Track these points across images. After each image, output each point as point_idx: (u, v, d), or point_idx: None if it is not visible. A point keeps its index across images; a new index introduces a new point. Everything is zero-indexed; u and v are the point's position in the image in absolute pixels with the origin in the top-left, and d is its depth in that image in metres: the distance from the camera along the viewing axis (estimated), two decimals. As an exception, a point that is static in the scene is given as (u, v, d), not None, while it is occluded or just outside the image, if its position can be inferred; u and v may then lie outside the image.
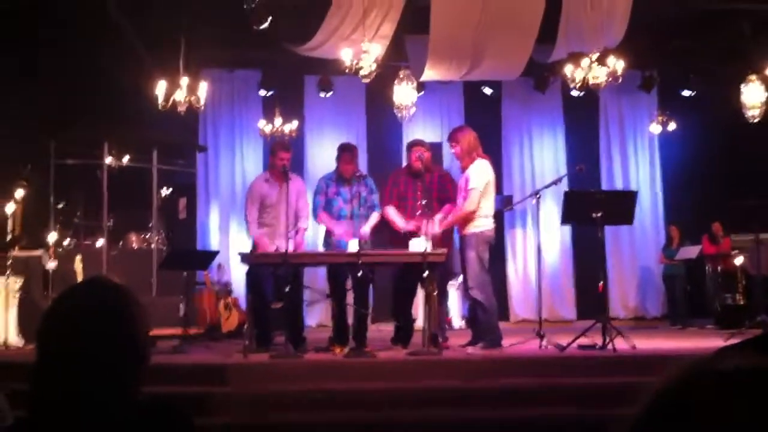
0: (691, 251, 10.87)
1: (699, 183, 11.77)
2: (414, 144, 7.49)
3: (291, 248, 6.82)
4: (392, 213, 7.22)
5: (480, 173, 6.79)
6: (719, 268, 10.95)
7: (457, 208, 6.88)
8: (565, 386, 5.66)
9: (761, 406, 0.66)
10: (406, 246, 6.86)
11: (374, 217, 7.29)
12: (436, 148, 10.92)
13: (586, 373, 5.97)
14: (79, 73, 9.80)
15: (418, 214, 7.05)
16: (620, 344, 6.48)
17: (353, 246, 6.71)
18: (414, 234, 6.89)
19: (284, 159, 7.33)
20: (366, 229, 7.18)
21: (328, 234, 7.38)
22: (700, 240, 10.99)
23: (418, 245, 6.62)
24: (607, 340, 6.48)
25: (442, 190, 7.24)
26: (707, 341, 7.62)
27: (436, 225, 6.92)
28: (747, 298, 10.30)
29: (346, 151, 7.34)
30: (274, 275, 7.01)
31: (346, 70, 8.40)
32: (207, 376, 5.75)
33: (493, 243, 6.93)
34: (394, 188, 7.30)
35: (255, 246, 7.43)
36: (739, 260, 10.45)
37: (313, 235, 9.89)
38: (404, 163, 7.75)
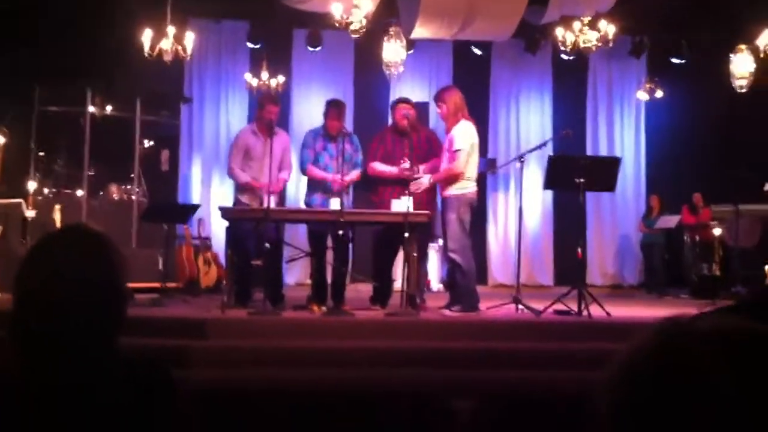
0: (670, 221, 10.95)
1: (683, 152, 11.81)
2: (399, 102, 7.41)
3: (268, 203, 6.78)
4: (379, 165, 7.15)
5: (464, 135, 6.74)
6: (697, 238, 11.04)
7: (444, 168, 6.84)
8: (540, 350, 5.71)
9: (738, 364, 0.66)
10: (387, 206, 6.85)
11: (354, 174, 7.24)
12: (423, 108, 10.86)
13: (561, 338, 6.03)
14: (64, 21, 9.62)
15: (402, 169, 6.98)
16: (596, 311, 6.54)
17: (335, 204, 6.69)
18: (403, 183, 6.82)
19: (272, 112, 7.25)
20: (347, 177, 7.12)
21: (310, 193, 7.33)
22: (681, 210, 11.06)
23: (401, 206, 6.61)
24: (583, 306, 6.54)
25: (430, 151, 7.19)
26: (682, 310, 7.68)
27: (425, 179, 6.87)
28: (723, 269, 10.40)
29: (333, 107, 7.26)
30: (255, 231, 6.99)
31: (336, 25, 8.30)
32: (185, 331, 5.76)
33: (475, 206, 6.91)
34: (380, 146, 7.22)
35: (247, 187, 7.28)
36: (717, 231, 10.53)
37: (295, 192, 9.86)
38: (390, 122, 7.69)
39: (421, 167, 7.02)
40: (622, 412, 0.69)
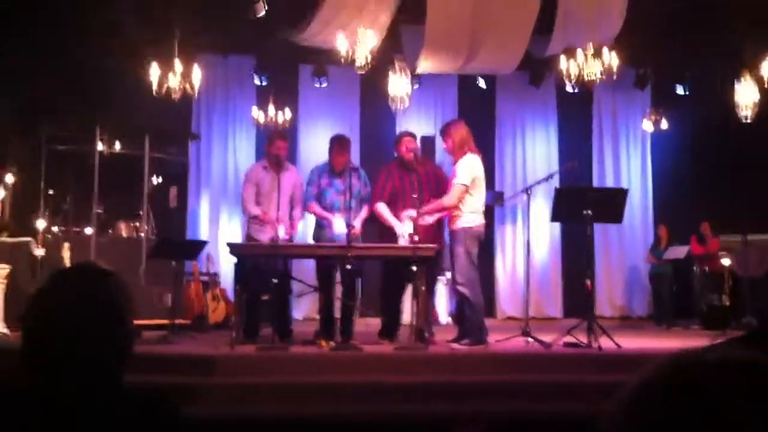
0: (679, 251, 10.91)
1: (689, 182, 11.81)
2: (403, 135, 7.42)
3: (282, 236, 6.79)
4: (383, 209, 7.15)
5: (467, 168, 6.73)
6: (706, 268, 10.99)
7: (439, 200, 6.84)
8: (550, 383, 5.67)
9: (749, 398, 0.66)
10: (396, 241, 6.85)
11: (365, 211, 7.26)
12: (429, 141, 10.91)
13: (571, 371, 5.99)
14: (72, 59, 9.73)
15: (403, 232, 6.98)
16: (606, 343, 6.50)
17: (339, 225, 6.69)
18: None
19: (281, 148, 7.29)
20: (357, 222, 7.12)
21: (318, 227, 7.34)
22: (689, 240, 11.03)
23: (406, 228, 6.63)
24: (593, 338, 6.50)
25: (438, 185, 7.18)
26: (692, 341, 7.64)
27: (407, 234, 6.82)
28: (733, 299, 10.34)
29: (336, 143, 7.29)
30: (263, 267, 6.99)
31: (342, 60, 8.38)
32: (193, 367, 5.75)
33: (483, 239, 6.89)
34: (388, 182, 7.20)
35: (257, 221, 7.29)
36: (726, 261, 10.49)
37: (303, 228, 9.87)
38: (395, 155, 7.69)
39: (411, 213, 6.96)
40: None
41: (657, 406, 0.68)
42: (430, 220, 6.92)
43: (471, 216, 6.69)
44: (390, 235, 7.06)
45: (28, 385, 1.53)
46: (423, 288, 6.62)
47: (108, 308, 1.57)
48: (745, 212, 9.49)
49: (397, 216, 7.03)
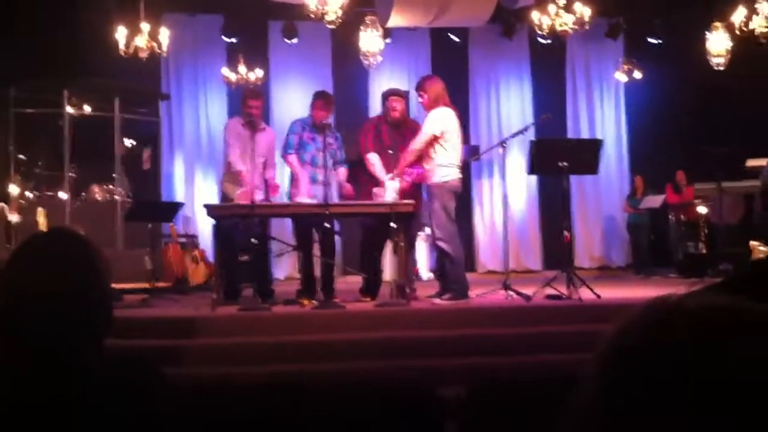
0: (655, 200, 11.00)
1: (664, 132, 11.86)
2: (391, 93, 7.36)
3: (259, 198, 6.75)
4: (375, 160, 7.05)
5: (437, 119, 6.69)
6: (682, 217, 11.10)
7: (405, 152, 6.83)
8: (532, 335, 5.73)
9: (724, 343, 0.66)
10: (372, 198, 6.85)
11: (342, 173, 7.23)
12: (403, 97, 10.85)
13: (552, 323, 6.05)
14: (37, 20, 9.52)
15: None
16: (585, 294, 6.57)
17: (391, 188, 6.62)
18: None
19: (253, 107, 7.19)
20: (342, 180, 7.10)
21: (294, 187, 7.28)
22: (664, 189, 11.11)
23: (392, 187, 6.61)
24: (573, 289, 6.56)
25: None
26: (671, 289, 7.71)
27: (390, 187, 6.79)
28: (709, 247, 10.47)
29: (320, 98, 7.22)
30: (242, 227, 6.95)
31: (312, 16, 8.26)
32: (175, 329, 5.74)
33: (460, 193, 6.89)
34: (377, 135, 7.15)
35: (238, 180, 7.20)
36: (702, 209, 10.59)
37: (280, 187, 9.83)
38: (377, 113, 7.62)
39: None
40: (608, 393, 0.68)
41: (637, 353, 0.68)
42: (408, 179, 6.90)
43: (445, 170, 6.67)
44: (369, 193, 7.02)
45: (4, 352, 1.51)
46: (402, 244, 6.63)
47: (84, 272, 1.56)
48: (720, 160, 9.56)
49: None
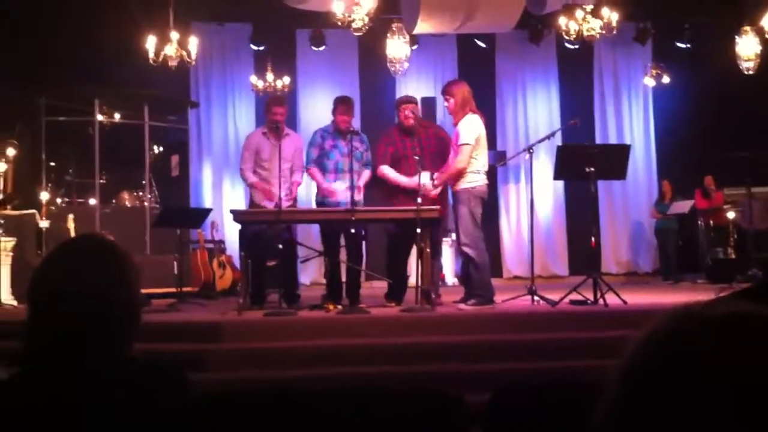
0: (683, 206, 10.89)
1: (692, 136, 11.75)
2: (402, 101, 7.38)
3: (284, 204, 6.80)
4: (388, 171, 7.13)
5: (470, 128, 6.68)
6: (711, 222, 10.98)
7: (448, 164, 6.81)
8: (557, 341, 5.70)
9: (750, 352, 0.66)
10: (401, 203, 6.85)
11: (366, 175, 7.25)
12: (430, 103, 10.85)
13: (578, 328, 6.01)
14: (67, 29, 9.66)
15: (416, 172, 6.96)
16: (612, 299, 6.52)
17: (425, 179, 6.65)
18: (414, 191, 6.78)
19: (278, 114, 7.26)
20: (361, 182, 7.14)
21: (321, 192, 7.33)
22: (693, 194, 11.00)
23: (425, 179, 6.60)
24: (599, 295, 6.52)
25: (441, 147, 7.15)
26: (698, 295, 7.61)
27: (428, 183, 6.82)
28: (738, 252, 10.35)
29: (341, 103, 7.26)
30: (268, 232, 7.00)
31: (339, 23, 8.30)
32: (202, 334, 5.78)
33: (486, 199, 6.87)
34: (389, 147, 7.18)
35: (254, 190, 7.34)
36: (731, 214, 10.48)
37: (307, 193, 9.87)
38: (396, 121, 7.65)
39: (434, 174, 6.95)
40: (632, 401, 0.69)
41: (659, 361, 0.68)
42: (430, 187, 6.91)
43: (473, 176, 6.66)
44: (396, 196, 7.04)
45: (35, 357, 1.53)
46: (428, 250, 6.62)
47: (113, 278, 1.57)
48: (749, 165, 9.46)
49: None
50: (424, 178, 6.59)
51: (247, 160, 7.34)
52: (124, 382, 1.53)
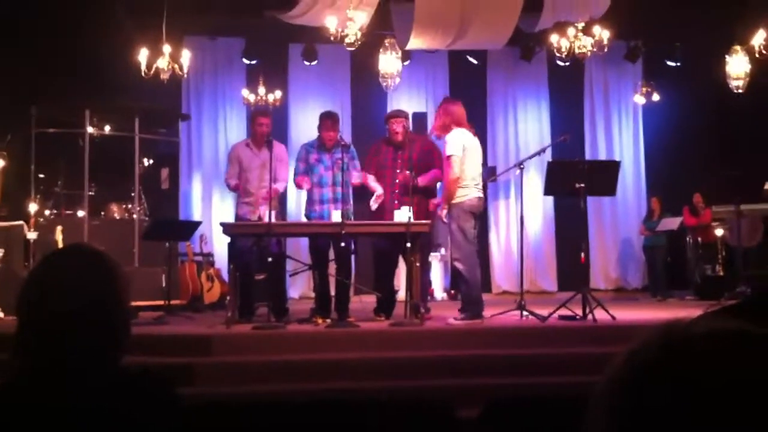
0: (672, 222, 10.94)
1: (681, 154, 11.82)
2: (392, 115, 7.41)
3: (268, 217, 6.75)
4: (371, 180, 7.18)
5: (456, 140, 6.65)
6: (699, 239, 11.02)
7: (431, 172, 6.89)
8: (546, 356, 5.70)
9: (734, 369, 0.66)
10: (389, 218, 6.86)
11: (355, 177, 7.22)
12: (421, 118, 10.89)
13: (567, 344, 6.01)
14: (60, 40, 9.66)
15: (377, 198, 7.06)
16: (600, 315, 6.53)
17: (336, 216, 6.68)
18: (404, 193, 6.88)
19: (263, 124, 7.30)
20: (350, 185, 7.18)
21: (310, 205, 7.32)
22: (682, 211, 11.06)
23: (401, 216, 6.61)
24: (588, 310, 6.53)
25: (427, 160, 7.17)
26: (687, 312, 7.64)
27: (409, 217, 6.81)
28: (727, 269, 10.39)
29: (326, 119, 7.26)
30: (256, 246, 7.00)
31: (331, 38, 8.33)
32: (190, 347, 5.76)
33: (477, 212, 6.83)
34: (374, 157, 7.26)
35: (236, 191, 7.38)
36: (719, 232, 10.52)
37: (296, 206, 9.87)
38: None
39: (419, 179, 7.03)
40: (617, 417, 0.69)
41: (644, 378, 0.68)
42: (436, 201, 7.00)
43: (461, 191, 6.63)
44: (382, 212, 7.06)
45: (23, 368, 1.52)
46: (417, 264, 6.63)
47: (103, 288, 1.57)
48: (737, 183, 9.51)
49: (383, 195, 7.09)
50: (403, 215, 6.59)
51: (230, 170, 7.41)
52: (113, 393, 1.53)
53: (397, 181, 7.06)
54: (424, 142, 7.57)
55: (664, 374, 0.67)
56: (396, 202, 6.96)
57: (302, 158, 7.26)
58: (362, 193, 7.36)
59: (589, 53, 8.66)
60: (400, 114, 7.41)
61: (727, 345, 0.68)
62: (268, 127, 7.34)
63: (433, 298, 9.82)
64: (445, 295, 10.84)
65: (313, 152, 7.23)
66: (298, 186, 7.37)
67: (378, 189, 7.08)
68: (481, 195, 6.80)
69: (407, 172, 6.90)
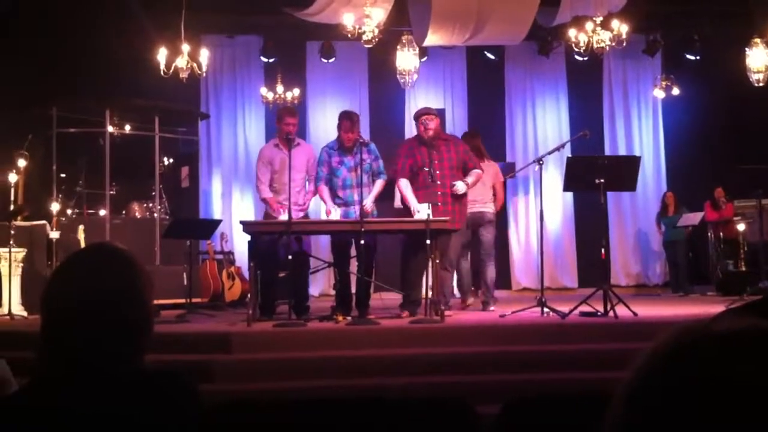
0: (693, 217, 10.85)
1: (702, 148, 11.73)
2: (421, 113, 7.40)
3: (296, 215, 6.79)
4: (404, 186, 7.15)
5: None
6: (721, 234, 10.93)
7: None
8: (566, 352, 5.68)
9: (755, 367, 0.66)
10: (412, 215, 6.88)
11: (379, 185, 7.24)
12: (439, 114, 10.87)
13: (588, 340, 5.99)
14: (79, 41, 9.74)
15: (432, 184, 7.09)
16: (622, 311, 6.50)
17: (423, 211, 6.73)
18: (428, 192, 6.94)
19: (290, 124, 7.29)
20: (370, 200, 7.11)
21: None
22: (703, 206, 10.96)
23: (421, 212, 6.62)
24: (609, 307, 6.50)
25: (461, 159, 7.23)
26: (708, 308, 7.61)
27: (460, 186, 7.02)
28: (749, 264, 10.29)
29: (345, 119, 7.23)
30: (277, 244, 7.02)
31: (349, 36, 8.34)
32: (211, 345, 5.79)
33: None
34: (407, 160, 7.20)
35: (268, 206, 7.40)
36: (741, 226, 10.44)
37: (317, 203, 9.89)
38: (413, 132, 7.67)
39: (465, 180, 7.15)
40: (637, 416, 0.69)
41: (665, 376, 0.68)
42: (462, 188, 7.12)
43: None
44: (406, 210, 7.10)
45: (48, 366, 1.54)
46: (437, 261, 6.63)
47: (126, 287, 1.58)
48: (759, 177, 9.43)
49: (417, 195, 7.06)
50: (424, 212, 6.61)
51: (263, 174, 7.39)
52: (135, 390, 1.54)
53: (438, 182, 7.05)
54: (456, 141, 7.59)
55: (684, 374, 0.67)
56: (440, 204, 6.98)
57: (324, 161, 7.25)
58: (389, 190, 7.36)
59: (607, 47, 8.61)
60: (430, 111, 7.41)
61: (746, 345, 0.68)
62: (295, 127, 7.35)
63: (454, 295, 9.79)
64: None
65: (335, 155, 7.23)
66: (320, 194, 7.30)
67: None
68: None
69: (455, 185, 6.98)
